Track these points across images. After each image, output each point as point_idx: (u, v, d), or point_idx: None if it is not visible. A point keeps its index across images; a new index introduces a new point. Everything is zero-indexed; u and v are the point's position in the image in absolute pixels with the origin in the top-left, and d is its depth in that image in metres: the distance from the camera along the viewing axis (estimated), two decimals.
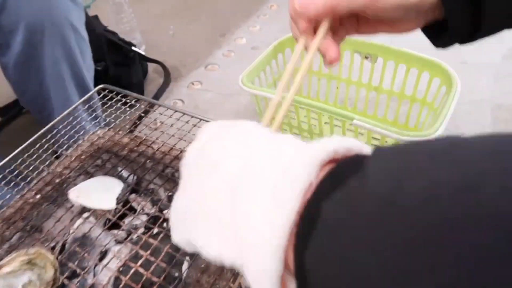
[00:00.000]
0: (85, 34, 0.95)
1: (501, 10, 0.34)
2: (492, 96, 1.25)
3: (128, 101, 0.73)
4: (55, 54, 0.88)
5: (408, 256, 0.16)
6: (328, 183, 0.21)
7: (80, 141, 0.68)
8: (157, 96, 1.50)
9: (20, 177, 0.64)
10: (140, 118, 0.72)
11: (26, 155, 0.66)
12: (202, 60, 1.68)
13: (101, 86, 0.76)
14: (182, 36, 1.87)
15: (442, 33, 0.38)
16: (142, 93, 1.50)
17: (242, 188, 0.24)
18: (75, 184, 0.61)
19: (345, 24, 0.41)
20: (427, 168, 0.17)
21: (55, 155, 0.72)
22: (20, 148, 0.68)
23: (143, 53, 1.52)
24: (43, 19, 0.83)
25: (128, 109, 0.72)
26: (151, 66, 1.63)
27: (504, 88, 1.26)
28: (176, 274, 0.52)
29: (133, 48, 1.46)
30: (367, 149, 0.23)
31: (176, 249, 0.53)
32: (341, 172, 0.21)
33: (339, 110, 0.98)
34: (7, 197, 0.61)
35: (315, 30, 0.38)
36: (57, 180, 0.62)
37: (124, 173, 0.63)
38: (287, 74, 0.39)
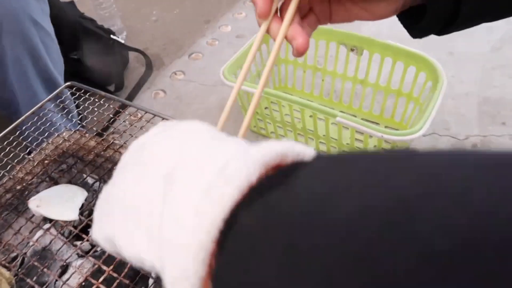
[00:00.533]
0: (49, 27, 0.90)
1: None
2: (479, 89, 1.23)
3: (97, 100, 0.69)
4: (16, 51, 0.83)
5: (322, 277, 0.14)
6: (258, 185, 0.19)
7: (44, 144, 0.64)
8: (137, 87, 1.46)
9: None
10: (110, 120, 0.68)
11: None
12: (185, 49, 1.62)
13: (68, 83, 0.72)
14: (165, 22, 1.80)
15: (419, 21, 0.35)
16: (122, 84, 1.45)
17: (174, 186, 0.22)
18: (37, 192, 0.57)
19: (316, 10, 0.37)
20: (360, 188, 0.15)
21: (26, 151, 0.68)
22: None
23: (122, 41, 1.47)
24: (0, 15, 0.78)
25: (96, 109, 0.68)
26: (132, 54, 1.58)
27: (491, 80, 1.24)
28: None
29: (112, 36, 1.41)
30: (310, 153, 0.21)
31: None
32: (274, 179, 0.19)
33: (322, 107, 0.95)
34: None
35: (282, 13, 0.35)
36: (18, 187, 0.59)
37: (90, 180, 0.60)
38: (246, 67, 0.36)
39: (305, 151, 0.21)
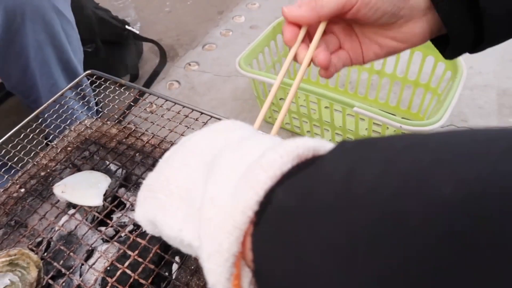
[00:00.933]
0: (70, 16, 0.91)
1: (501, 20, 0.33)
2: (498, 80, 1.21)
3: (117, 88, 0.70)
4: (38, 39, 0.84)
5: (352, 242, 0.16)
6: (290, 173, 0.21)
7: (66, 131, 0.65)
8: (152, 77, 1.46)
9: (3, 169, 0.61)
10: (129, 107, 0.68)
11: (10, 145, 0.63)
12: (199, 39, 1.62)
13: (88, 71, 0.72)
14: (179, 13, 1.80)
15: (448, 45, 0.37)
16: (136, 74, 1.46)
17: (214, 171, 0.24)
18: (61, 178, 0.58)
19: (346, 47, 0.39)
20: (379, 162, 0.17)
21: (48, 139, 0.69)
22: (3, 138, 0.65)
23: (137, 32, 1.47)
24: (23, 2, 0.79)
25: (116, 97, 0.69)
26: (146, 46, 1.58)
27: (510, 72, 1.22)
28: (166, 275, 0.50)
29: (126, 26, 1.41)
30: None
31: (166, 249, 0.50)
32: (304, 163, 0.21)
33: (339, 97, 0.94)
34: None
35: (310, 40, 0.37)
36: (42, 173, 0.59)
37: (112, 167, 0.60)
38: (276, 86, 0.39)
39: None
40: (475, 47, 0.37)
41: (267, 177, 0.21)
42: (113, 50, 1.39)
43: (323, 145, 0.23)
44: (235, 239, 0.21)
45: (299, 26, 0.37)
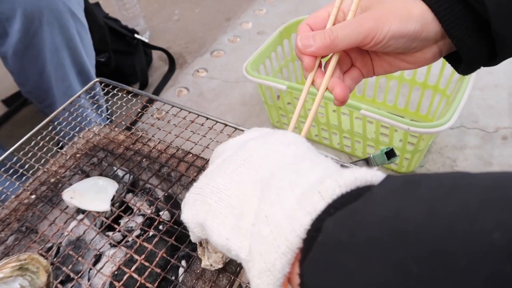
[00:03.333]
0: (84, 20, 0.93)
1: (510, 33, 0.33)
2: (509, 80, 1.19)
3: (125, 95, 0.71)
4: (55, 42, 0.86)
5: (401, 278, 0.16)
6: (340, 204, 0.22)
7: (75, 138, 0.66)
8: (161, 85, 1.48)
9: (15, 176, 0.62)
10: (138, 115, 0.69)
11: (21, 153, 0.65)
12: (207, 46, 1.64)
13: (96, 79, 0.74)
14: (187, 21, 1.83)
15: (461, 62, 0.38)
16: (146, 82, 1.48)
17: (270, 189, 0.25)
18: (70, 184, 0.59)
19: (358, 64, 0.40)
20: (427, 200, 0.18)
21: (58, 146, 0.70)
22: (16, 145, 0.66)
23: (146, 40, 1.49)
24: (41, 5, 0.81)
25: (124, 104, 0.70)
26: (155, 54, 1.61)
27: None
28: (173, 279, 0.50)
29: (136, 35, 1.43)
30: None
31: (171, 254, 0.51)
32: (352, 194, 0.22)
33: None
34: (2, 197, 0.60)
35: (326, 67, 0.39)
36: (52, 180, 0.61)
37: (120, 172, 0.61)
38: (296, 115, 0.41)
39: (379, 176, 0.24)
40: (488, 62, 0.37)
41: (325, 205, 0.22)
42: (123, 59, 1.42)
43: (377, 176, 0.23)
44: (288, 260, 0.22)
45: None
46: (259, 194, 0.26)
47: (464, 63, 0.37)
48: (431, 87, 1.09)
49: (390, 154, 0.78)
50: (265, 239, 0.23)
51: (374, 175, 0.23)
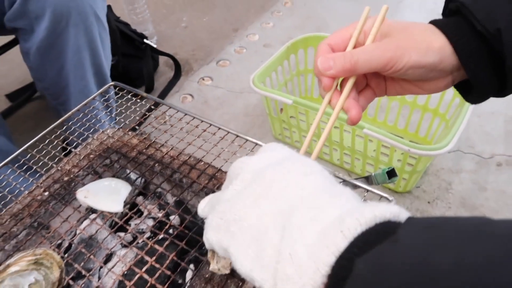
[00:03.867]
0: (106, 24, 0.96)
1: None
2: (506, 108, 1.23)
3: (139, 100, 0.73)
4: (78, 42, 0.88)
5: None
6: (362, 242, 0.23)
7: (89, 139, 0.68)
8: (166, 90, 1.50)
9: (29, 172, 0.64)
10: (144, 116, 0.71)
11: (35, 150, 0.66)
12: (213, 55, 1.67)
13: (111, 83, 0.76)
14: (195, 29, 1.86)
15: (471, 91, 0.39)
16: (152, 86, 1.50)
17: (292, 224, 0.26)
18: (83, 184, 0.61)
19: (372, 84, 0.42)
20: (454, 246, 0.19)
21: (73, 145, 0.72)
22: (31, 142, 0.68)
23: (154, 45, 1.52)
24: (70, 6, 0.84)
25: (138, 108, 0.72)
26: (162, 59, 1.63)
27: None
28: (180, 282, 0.52)
29: (145, 40, 1.46)
30: (403, 216, 0.25)
31: (181, 257, 0.53)
32: (376, 233, 0.23)
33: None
34: (16, 192, 0.61)
35: (342, 86, 0.40)
36: (66, 178, 0.62)
37: (132, 176, 0.63)
38: (312, 131, 0.41)
39: (403, 214, 0.25)
40: (498, 92, 0.39)
41: (347, 244, 0.23)
42: (131, 62, 1.44)
43: (398, 213, 0.24)
44: None
45: None
46: (280, 229, 0.27)
47: (475, 93, 0.38)
48: (431, 111, 1.13)
49: (391, 173, 0.80)
50: (290, 278, 0.24)
51: (392, 213, 0.24)
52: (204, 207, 0.38)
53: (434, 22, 0.38)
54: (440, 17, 0.41)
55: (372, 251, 0.22)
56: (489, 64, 0.36)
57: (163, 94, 1.48)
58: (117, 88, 0.77)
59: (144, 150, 0.65)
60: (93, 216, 0.57)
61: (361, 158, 1.08)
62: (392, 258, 0.20)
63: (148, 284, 0.49)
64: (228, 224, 0.30)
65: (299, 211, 0.27)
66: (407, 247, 0.20)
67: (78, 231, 0.56)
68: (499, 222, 0.20)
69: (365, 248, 0.22)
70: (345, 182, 0.65)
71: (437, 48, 0.36)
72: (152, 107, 0.79)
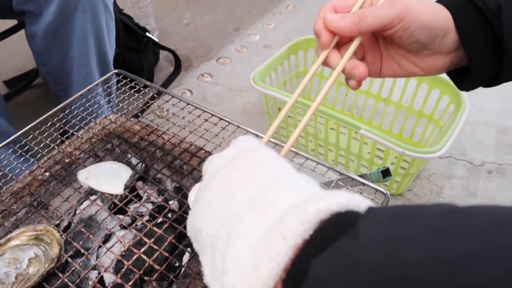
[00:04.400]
0: (113, 13, 0.96)
1: None
2: (499, 118, 1.26)
3: (141, 88, 0.74)
4: (85, 28, 0.89)
5: None
6: (318, 241, 0.21)
7: (91, 124, 0.69)
8: (166, 84, 1.51)
9: (30, 153, 0.65)
10: (147, 104, 0.72)
11: (37, 131, 0.67)
12: (214, 53, 1.68)
13: (115, 70, 0.77)
14: (196, 27, 1.87)
15: (466, 78, 0.39)
16: (151, 80, 1.51)
17: (237, 228, 0.24)
18: (84, 166, 0.62)
19: (368, 58, 0.41)
20: (423, 240, 0.17)
21: (75, 129, 0.72)
22: (33, 123, 0.68)
23: (156, 39, 1.53)
24: None
25: (141, 96, 0.73)
26: (162, 54, 1.64)
27: (510, 111, 1.27)
28: (177, 264, 0.53)
29: (147, 34, 1.47)
30: (364, 205, 0.23)
31: (179, 240, 0.54)
32: (332, 230, 0.21)
33: (347, 118, 0.99)
34: (16, 171, 0.62)
35: (339, 50, 0.39)
36: (67, 160, 0.63)
37: (133, 160, 0.64)
38: (306, 81, 0.40)
39: (360, 204, 0.23)
40: (491, 82, 0.39)
41: (288, 248, 0.21)
42: (132, 55, 1.45)
43: (347, 203, 0.22)
44: None
45: (333, 33, 0.38)
46: (227, 236, 0.25)
47: (471, 76, 0.38)
48: (426, 116, 1.15)
49: (385, 173, 0.82)
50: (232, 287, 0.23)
51: (340, 203, 0.22)
52: (192, 199, 0.38)
53: (439, 1, 0.38)
54: None
55: (329, 250, 0.20)
56: (488, 45, 0.36)
57: (163, 89, 1.49)
58: (120, 76, 0.79)
59: (145, 137, 0.66)
60: (93, 197, 0.58)
61: (355, 160, 1.10)
62: (354, 256, 0.18)
63: (146, 265, 0.50)
64: (196, 235, 0.29)
65: (244, 215, 0.25)
66: (370, 243, 0.19)
67: (78, 211, 0.57)
68: (469, 210, 0.18)
69: (322, 247, 0.20)
70: (342, 176, 0.66)
71: (445, 17, 0.36)
72: (155, 95, 0.80)
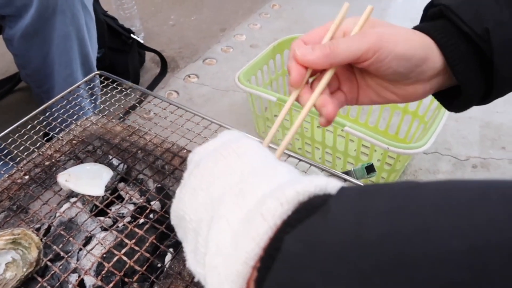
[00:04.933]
0: (93, 13, 0.96)
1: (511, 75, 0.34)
2: (482, 113, 1.28)
3: (124, 89, 0.74)
4: (65, 30, 0.88)
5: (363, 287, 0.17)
6: (294, 220, 0.22)
7: (72, 125, 0.68)
8: (152, 86, 1.50)
9: (9, 156, 0.64)
10: (133, 107, 0.72)
11: (17, 135, 0.66)
12: (200, 53, 1.68)
13: (97, 72, 0.76)
14: (182, 27, 1.86)
15: (454, 99, 0.38)
16: (137, 81, 1.50)
17: (220, 212, 0.25)
18: (65, 168, 0.61)
19: (344, 88, 0.39)
20: (385, 212, 0.19)
21: (55, 131, 0.71)
22: (12, 127, 0.67)
23: (141, 41, 1.52)
24: None
25: (122, 98, 0.72)
26: (148, 55, 1.63)
27: (494, 107, 1.29)
28: (159, 265, 0.52)
29: (132, 35, 1.46)
30: (336, 186, 0.24)
31: (161, 240, 0.53)
32: (309, 210, 0.22)
33: None
34: None
35: (313, 85, 0.37)
36: (47, 163, 0.62)
37: (115, 161, 0.63)
38: (276, 126, 0.38)
39: (335, 185, 0.24)
40: (480, 101, 0.38)
41: (268, 228, 0.22)
42: (117, 56, 1.44)
43: (325, 186, 0.23)
44: (239, 287, 0.23)
45: (306, 67, 0.36)
46: (210, 220, 0.26)
47: (462, 99, 0.37)
48: (411, 113, 1.16)
49: (369, 169, 0.83)
50: (216, 269, 0.24)
51: (319, 186, 0.23)
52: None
53: (417, 27, 0.36)
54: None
55: (301, 226, 0.21)
56: (478, 69, 0.35)
57: (149, 90, 1.48)
58: (102, 77, 0.78)
59: (127, 137, 0.65)
60: (73, 199, 0.57)
61: (342, 157, 1.10)
62: (323, 231, 0.20)
63: (127, 266, 0.49)
64: (179, 221, 0.29)
65: (226, 199, 0.26)
66: (338, 218, 0.20)
67: (58, 214, 0.56)
68: (427, 183, 0.19)
69: (296, 225, 0.21)
70: (327, 173, 0.67)
71: (424, 45, 0.34)
72: (138, 96, 0.79)
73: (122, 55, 1.46)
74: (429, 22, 0.37)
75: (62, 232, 0.53)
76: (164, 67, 1.58)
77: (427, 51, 0.34)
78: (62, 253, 0.51)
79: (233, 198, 0.25)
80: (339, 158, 1.14)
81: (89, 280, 0.51)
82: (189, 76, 1.56)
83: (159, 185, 0.60)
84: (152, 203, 0.58)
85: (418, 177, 1.11)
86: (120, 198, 0.61)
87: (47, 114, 0.70)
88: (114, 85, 0.76)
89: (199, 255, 0.26)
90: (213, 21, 1.89)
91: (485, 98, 0.38)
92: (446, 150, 1.18)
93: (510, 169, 1.11)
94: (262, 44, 1.69)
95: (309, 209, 0.22)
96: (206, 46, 1.72)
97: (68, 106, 0.72)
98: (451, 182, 0.19)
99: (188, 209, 0.28)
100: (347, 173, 0.85)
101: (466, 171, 1.12)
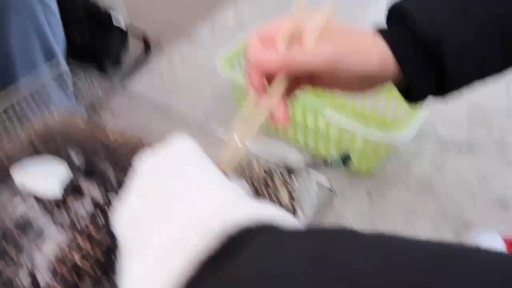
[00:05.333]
0: (53, 5, 0.93)
1: (463, 71, 0.37)
2: (470, 96, 1.24)
3: (95, 82, 0.71)
4: (23, 27, 0.86)
5: None
6: (211, 264, 0.22)
7: (33, 120, 0.66)
8: (134, 68, 1.47)
9: None
10: (98, 98, 0.70)
11: None
12: (185, 35, 1.63)
13: (64, 63, 0.73)
14: (167, 8, 1.81)
15: (409, 94, 0.40)
16: (119, 63, 1.46)
17: (144, 238, 0.26)
18: (22, 163, 0.59)
19: (300, 80, 0.41)
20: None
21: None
22: None
23: (123, 21, 1.47)
24: None
25: (91, 88, 0.70)
26: (131, 36, 1.59)
27: (483, 89, 1.26)
28: (116, 268, 0.51)
29: (113, 16, 1.41)
30: (282, 220, 0.24)
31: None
32: (226, 252, 0.22)
33: (311, 102, 0.97)
34: None
35: (269, 82, 0.38)
36: (3, 158, 0.60)
37: (75, 158, 0.61)
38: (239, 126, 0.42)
39: (274, 219, 0.24)
40: (438, 93, 0.40)
41: (182, 264, 0.22)
42: (98, 38, 1.40)
43: (256, 219, 0.23)
44: None
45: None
46: (136, 244, 0.27)
47: (412, 94, 0.40)
48: (397, 98, 1.13)
49: (345, 160, 0.81)
50: None
51: (253, 221, 0.23)
52: None
53: (379, 30, 0.38)
54: None
55: (216, 275, 0.21)
56: (428, 71, 0.37)
57: (131, 72, 1.45)
58: (71, 67, 0.75)
59: (90, 133, 0.63)
60: (29, 197, 0.55)
61: (323, 142, 1.08)
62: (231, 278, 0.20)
63: (83, 267, 0.48)
64: (118, 236, 0.31)
65: (151, 226, 0.26)
66: (241, 269, 0.20)
67: (11, 213, 0.54)
68: (352, 240, 0.20)
69: (209, 262, 0.22)
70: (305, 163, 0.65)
71: (380, 61, 0.36)
72: (109, 87, 0.77)
73: (103, 37, 1.42)
74: (390, 28, 0.39)
75: (15, 233, 0.51)
76: (147, 48, 1.54)
77: (382, 66, 0.36)
78: (13, 251, 0.49)
79: (159, 225, 0.26)
80: (322, 143, 1.12)
81: (44, 282, 0.50)
82: (173, 58, 1.52)
83: (122, 183, 0.59)
84: (113, 202, 0.57)
85: (402, 158, 1.10)
86: (79, 196, 0.60)
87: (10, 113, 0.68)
88: (84, 78, 0.73)
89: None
90: (200, 2, 1.84)
91: (440, 93, 0.40)
92: (432, 131, 1.16)
93: (495, 152, 1.10)
94: (250, 28, 1.64)
95: (231, 251, 0.22)
96: (191, 29, 1.67)
97: (33, 101, 0.69)
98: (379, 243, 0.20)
99: (122, 226, 0.29)
100: (325, 161, 0.83)
101: (451, 154, 1.10)
